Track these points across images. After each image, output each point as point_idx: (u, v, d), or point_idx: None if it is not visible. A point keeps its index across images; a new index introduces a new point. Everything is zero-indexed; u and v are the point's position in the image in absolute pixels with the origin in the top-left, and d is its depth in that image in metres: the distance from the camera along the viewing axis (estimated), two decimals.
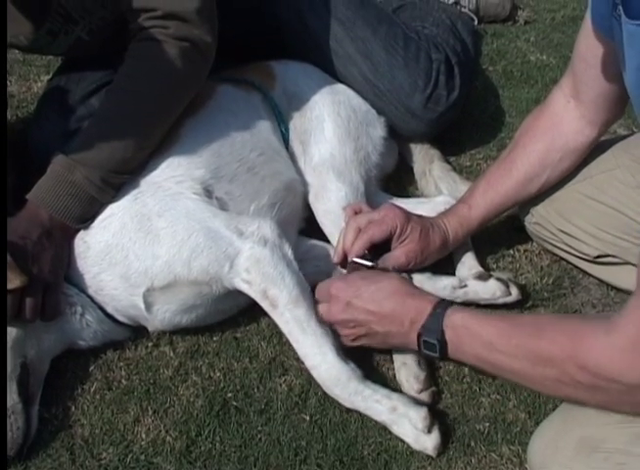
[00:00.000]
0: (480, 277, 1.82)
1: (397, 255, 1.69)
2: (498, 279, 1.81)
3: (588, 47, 1.55)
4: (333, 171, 1.91)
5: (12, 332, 1.56)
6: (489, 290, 1.79)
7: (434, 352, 1.42)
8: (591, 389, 1.22)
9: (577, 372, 1.21)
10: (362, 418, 1.57)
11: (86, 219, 1.68)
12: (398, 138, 2.18)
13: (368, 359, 1.69)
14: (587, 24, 1.52)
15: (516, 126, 2.36)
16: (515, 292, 1.80)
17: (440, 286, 1.79)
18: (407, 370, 1.64)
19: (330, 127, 1.97)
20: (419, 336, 1.43)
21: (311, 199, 1.91)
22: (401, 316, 1.46)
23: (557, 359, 1.23)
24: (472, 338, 1.36)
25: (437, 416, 1.56)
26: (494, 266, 1.93)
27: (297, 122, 1.99)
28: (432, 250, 1.73)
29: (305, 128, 1.98)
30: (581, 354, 1.20)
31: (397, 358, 1.67)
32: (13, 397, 1.53)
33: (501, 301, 1.79)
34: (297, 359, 1.67)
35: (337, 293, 1.54)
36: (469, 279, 1.82)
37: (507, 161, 1.78)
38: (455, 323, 1.39)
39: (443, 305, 1.44)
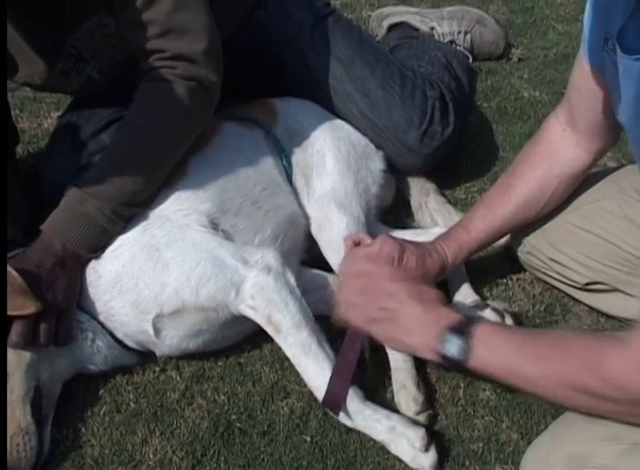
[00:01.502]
0: (477, 306, 1.88)
1: None
2: (494, 309, 1.86)
3: (581, 79, 1.61)
4: (334, 203, 1.96)
5: (26, 356, 1.61)
6: (486, 317, 1.84)
7: (454, 353, 1.36)
8: (609, 400, 1.24)
9: (597, 384, 1.23)
10: (361, 439, 1.62)
11: (97, 249, 1.74)
12: (396, 172, 2.24)
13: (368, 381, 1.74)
14: (580, 57, 1.58)
15: (509, 160, 2.41)
16: (509, 322, 1.85)
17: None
18: (406, 393, 1.70)
19: (331, 161, 2.03)
20: (442, 333, 1.37)
21: (314, 230, 1.97)
22: (437, 312, 1.43)
23: (578, 372, 1.25)
24: (494, 349, 1.34)
25: (434, 437, 1.60)
26: (488, 294, 1.98)
27: (299, 157, 2.05)
28: (430, 276, 1.71)
29: (307, 163, 2.04)
30: (602, 368, 1.23)
31: (397, 381, 1.72)
32: (26, 418, 1.58)
33: None
34: (299, 384, 1.73)
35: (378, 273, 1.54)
36: (465, 309, 1.87)
37: (506, 186, 1.81)
38: (478, 334, 1.35)
39: (467, 317, 1.41)
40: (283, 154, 2.04)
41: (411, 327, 1.43)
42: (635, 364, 1.21)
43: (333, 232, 1.94)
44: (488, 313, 1.85)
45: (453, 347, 1.36)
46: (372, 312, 1.49)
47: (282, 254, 1.81)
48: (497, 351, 1.34)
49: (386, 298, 1.48)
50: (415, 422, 1.62)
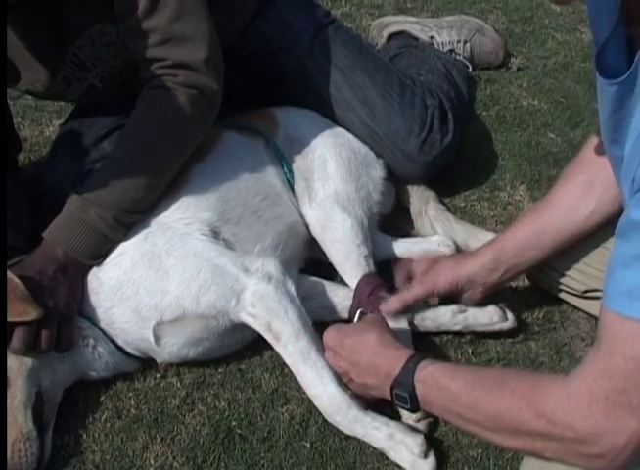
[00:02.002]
0: (479, 303, 1.89)
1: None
2: (496, 305, 1.89)
3: None
4: (338, 205, 1.97)
5: (28, 362, 1.62)
6: (487, 315, 1.86)
7: (405, 405, 1.45)
8: (547, 437, 1.23)
9: (534, 419, 1.23)
10: (360, 445, 1.63)
11: (99, 257, 1.76)
12: (395, 180, 2.26)
13: None
14: None
15: (508, 169, 2.45)
16: (511, 317, 1.88)
17: (441, 313, 1.86)
18: None
19: (332, 167, 2.04)
20: (392, 389, 1.47)
21: (317, 232, 1.97)
22: (377, 369, 1.51)
23: (515, 408, 1.25)
24: (440, 391, 1.39)
25: (433, 443, 1.61)
26: (487, 302, 1.99)
27: (300, 164, 2.06)
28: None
29: (308, 167, 2.05)
30: (539, 401, 1.23)
31: None
32: (28, 424, 1.59)
33: (498, 327, 1.87)
34: (299, 390, 1.74)
35: (326, 341, 1.63)
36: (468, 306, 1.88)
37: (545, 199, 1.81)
38: (425, 377, 1.41)
39: (416, 359, 1.45)
40: (284, 161, 2.05)
41: (367, 390, 1.58)
42: (573, 398, 1.19)
43: (338, 232, 1.94)
44: (491, 309, 1.88)
45: (403, 401, 1.45)
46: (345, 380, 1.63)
47: (282, 262, 1.82)
48: (439, 399, 1.40)
49: (342, 371, 1.61)
50: (414, 429, 1.63)
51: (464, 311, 1.86)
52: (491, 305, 1.88)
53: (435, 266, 1.82)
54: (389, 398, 1.49)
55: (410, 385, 1.43)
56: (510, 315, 1.88)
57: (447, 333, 1.88)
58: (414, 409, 1.46)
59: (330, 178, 2.02)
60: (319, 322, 1.76)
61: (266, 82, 2.31)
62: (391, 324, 1.72)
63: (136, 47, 1.86)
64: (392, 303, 1.78)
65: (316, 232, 1.98)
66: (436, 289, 1.79)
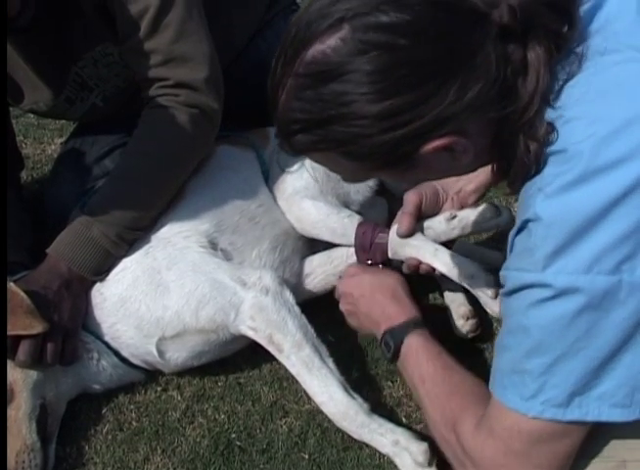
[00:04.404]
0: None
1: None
2: (489, 203, 1.87)
3: None
4: (307, 197, 1.97)
5: (33, 375, 1.66)
6: (479, 213, 1.82)
7: (387, 352, 1.56)
8: (456, 458, 1.34)
9: (452, 437, 1.34)
10: (358, 457, 1.66)
11: (102, 272, 1.79)
12: (389, 196, 2.26)
13: (375, 393, 1.80)
14: None
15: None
16: (506, 212, 1.83)
17: (435, 223, 1.83)
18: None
19: (309, 170, 1.97)
20: (385, 332, 1.58)
21: (298, 226, 1.97)
22: (384, 309, 1.62)
23: (443, 426, 1.38)
24: (415, 362, 1.50)
25: (437, 452, 1.59)
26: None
27: (278, 172, 2.05)
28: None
29: (285, 174, 2.03)
30: (458, 425, 1.33)
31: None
32: (32, 435, 1.62)
33: (494, 222, 1.83)
34: (297, 403, 1.78)
35: (352, 270, 1.75)
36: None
37: None
38: (412, 343, 1.52)
39: (418, 323, 1.56)
40: (266, 174, 2.07)
41: (365, 323, 1.68)
42: (475, 430, 1.28)
43: (312, 214, 1.95)
44: (483, 206, 1.85)
45: (387, 348, 1.57)
46: (345, 311, 1.73)
47: (282, 262, 1.89)
48: (412, 369, 1.50)
49: (352, 300, 1.69)
50: (419, 436, 1.64)
51: (454, 216, 1.83)
52: (484, 204, 1.85)
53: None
54: (378, 336, 1.60)
55: (400, 340, 1.54)
56: (505, 211, 1.84)
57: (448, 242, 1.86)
58: (391, 359, 1.56)
59: (302, 179, 2.00)
60: (321, 330, 1.79)
61: (264, 102, 2.34)
62: (415, 243, 1.78)
63: (138, 67, 1.90)
64: (402, 222, 1.79)
65: (298, 227, 1.98)
66: (423, 193, 1.80)
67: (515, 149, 1.16)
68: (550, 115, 1.13)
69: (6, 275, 1.65)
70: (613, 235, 1.07)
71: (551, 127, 1.12)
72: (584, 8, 1.16)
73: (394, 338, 1.55)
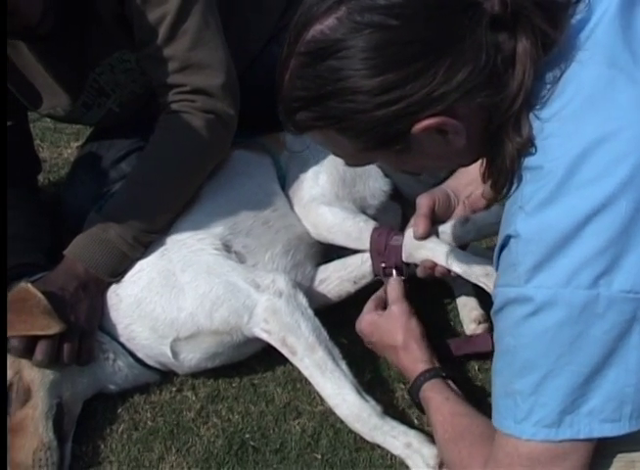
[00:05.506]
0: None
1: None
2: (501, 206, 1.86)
3: None
4: (323, 204, 1.99)
5: (50, 375, 1.68)
6: (493, 214, 1.79)
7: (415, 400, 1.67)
8: None
9: None
10: (370, 457, 1.67)
11: (118, 274, 1.82)
12: (403, 201, 2.28)
13: (387, 395, 1.81)
14: None
15: None
16: None
17: (450, 227, 1.82)
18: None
19: (324, 177, 2.03)
20: (411, 384, 1.67)
21: (314, 232, 1.99)
22: (397, 362, 1.72)
23: (456, 465, 1.44)
24: (427, 414, 1.60)
25: None
26: None
27: (295, 178, 2.08)
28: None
29: (301, 180, 2.06)
30: (469, 468, 1.38)
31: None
32: (49, 434, 1.64)
33: None
34: (310, 404, 1.80)
35: (367, 317, 1.78)
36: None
37: None
38: (423, 397, 1.61)
39: (423, 376, 1.63)
40: (283, 179, 2.10)
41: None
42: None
43: (328, 219, 1.97)
44: (495, 208, 1.78)
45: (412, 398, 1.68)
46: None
47: (295, 265, 1.91)
48: (429, 417, 1.59)
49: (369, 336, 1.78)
50: (431, 439, 1.64)
51: (468, 219, 1.84)
52: (495, 205, 1.82)
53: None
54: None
55: (416, 395, 1.64)
56: None
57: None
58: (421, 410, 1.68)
59: (319, 186, 2.02)
60: (333, 331, 1.80)
61: (275, 109, 2.36)
62: (430, 245, 1.79)
63: (155, 74, 1.93)
64: (419, 224, 1.80)
65: (314, 233, 2.00)
66: (436, 197, 1.82)
67: (503, 143, 1.20)
68: (535, 125, 1.18)
69: (6, 276, 1.67)
70: (587, 251, 1.11)
71: (530, 142, 1.18)
72: (576, 18, 1.20)
73: (412, 394, 1.67)
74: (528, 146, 1.18)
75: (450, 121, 1.17)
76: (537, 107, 1.18)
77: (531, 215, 1.15)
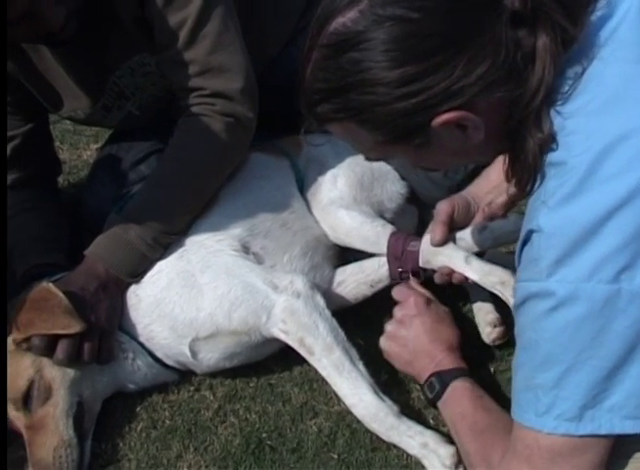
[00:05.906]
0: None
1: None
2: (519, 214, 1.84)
3: None
4: (342, 207, 2.00)
5: (70, 373, 1.71)
6: (510, 222, 1.82)
7: (429, 394, 1.64)
8: None
9: (482, 467, 1.42)
10: (386, 457, 1.69)
11: (137, 274, 1.84)
12: (419, 204, 2.29)
13: (404, 396, 1.82)
14: None
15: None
16: None
17: (468, 234, 1.83)
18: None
19: (342, 180, 2.05)
20: (431, 375, 1.64)
21: (332, 235, 2.00)
22: (434, 355, 1.67)
23: (477, 452, 1.47)
24: (458, 403, 1.58)
25: None
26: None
27: (313, 181, 2.10)
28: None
29: (319, 183, 2.08)
30: (489, 456, 1.41)
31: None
32: (69, 431, 1.67)
33: None
34: (327, 404, 1.81)
35: (411, 308, 1.75)
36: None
37: None
38: (457, 386, 1.60)
39: (462, 372, 1.63)
40: (302, 181, 2.11)
41: (407, 368, 1.74)
42: (505, 460, 1.33)
43: (346, 222, 1.98)
44: (514, 216, 1.86)
45: (431, 389, 1.64)
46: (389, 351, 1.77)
47: (313, 267, 1.92)
48: (450, 411, 1.59)
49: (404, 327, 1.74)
50: (447, 439, 1.66)
51: (485, 227, 1.84)
52: (513, 213, 1.87)
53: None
54: (421, 379, 1.67)
55: (446, 384, 1.61)
56: None
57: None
58: (431, 400, 1.65)
59: (337, 189, 2.04)
60: (351, 334, 1.81)
61: (295, 111, 2.37)
62: (447, 252, 1.80)
63: (175, 77, 1.96)
64: (436, 231, 1.81)
65: (332, 236, 2.01)
66: (455, 203, 1.83)
67: (524, 139, 1.21)
68: (556, 121, 1.19)
69: (6, 276, 1.69)
70: (610, 245, 1.11)
71: (552, 137, 1.18)
72: (596, 15, 1.21)
73: (442, 381, 1.63)
74: (550, 142, 1.18)
75: (470, 116, 1.18)
76: (559, 103, 1.19)
77: (554, 210, 1.16)
